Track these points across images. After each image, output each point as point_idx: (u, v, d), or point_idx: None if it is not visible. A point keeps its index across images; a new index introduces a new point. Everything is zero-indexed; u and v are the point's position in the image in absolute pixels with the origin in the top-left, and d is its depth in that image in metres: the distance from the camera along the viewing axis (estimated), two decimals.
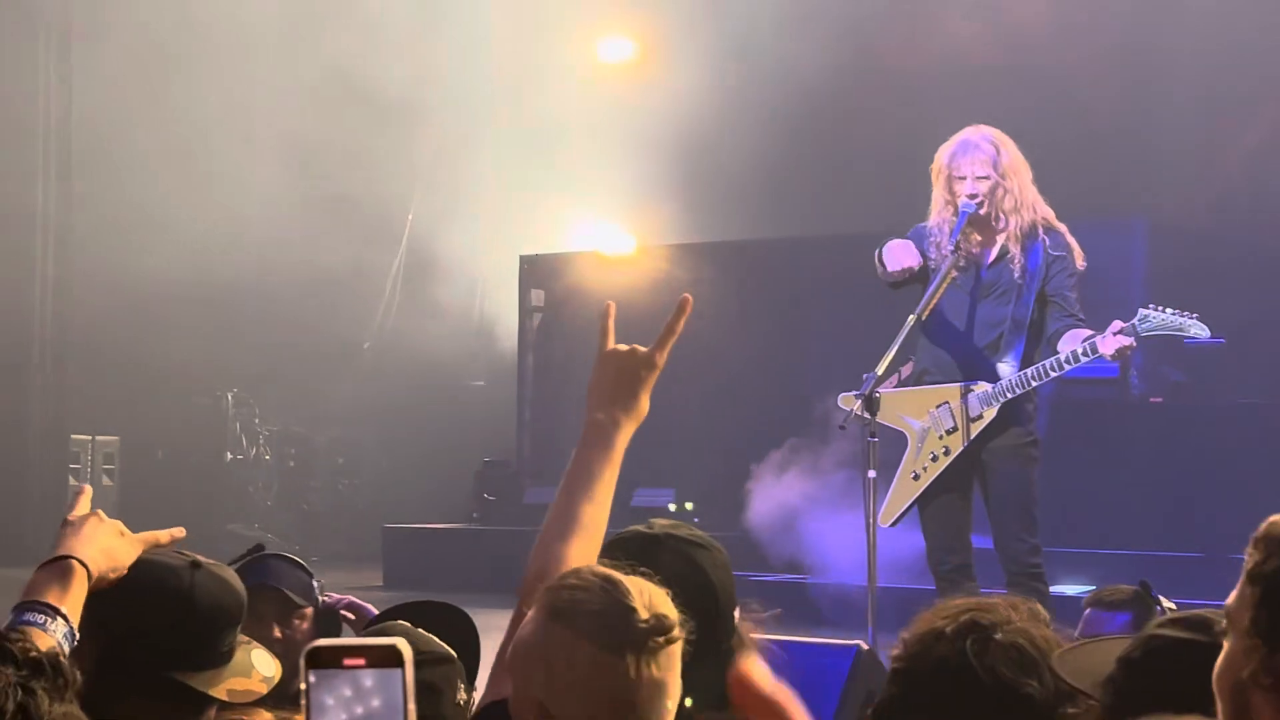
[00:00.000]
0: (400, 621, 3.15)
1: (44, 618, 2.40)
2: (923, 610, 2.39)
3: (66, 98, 15.86)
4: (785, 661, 2.69)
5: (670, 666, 2.20)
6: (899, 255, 6.41)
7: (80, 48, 15.96)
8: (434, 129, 15.79)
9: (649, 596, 2.22)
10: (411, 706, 1.33)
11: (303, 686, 1.32)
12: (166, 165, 15.44)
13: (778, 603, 9.89)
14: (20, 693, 1.52)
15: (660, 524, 2.82)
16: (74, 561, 2.47)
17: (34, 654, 1.58)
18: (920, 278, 6.47)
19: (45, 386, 15.79)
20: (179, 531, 2.67)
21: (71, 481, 15.78)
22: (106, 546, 2.52)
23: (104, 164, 15.64)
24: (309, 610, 4.01)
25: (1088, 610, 4.40)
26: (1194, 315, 6.27)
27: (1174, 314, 6.23)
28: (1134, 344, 6.18)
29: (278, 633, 3.93)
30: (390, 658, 1.35)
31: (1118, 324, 6.20)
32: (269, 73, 15.68)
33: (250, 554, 3.91)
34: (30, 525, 15.35)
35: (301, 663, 1.34)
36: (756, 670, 2.54)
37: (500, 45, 15.52)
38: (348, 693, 1.34)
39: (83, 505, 2.60)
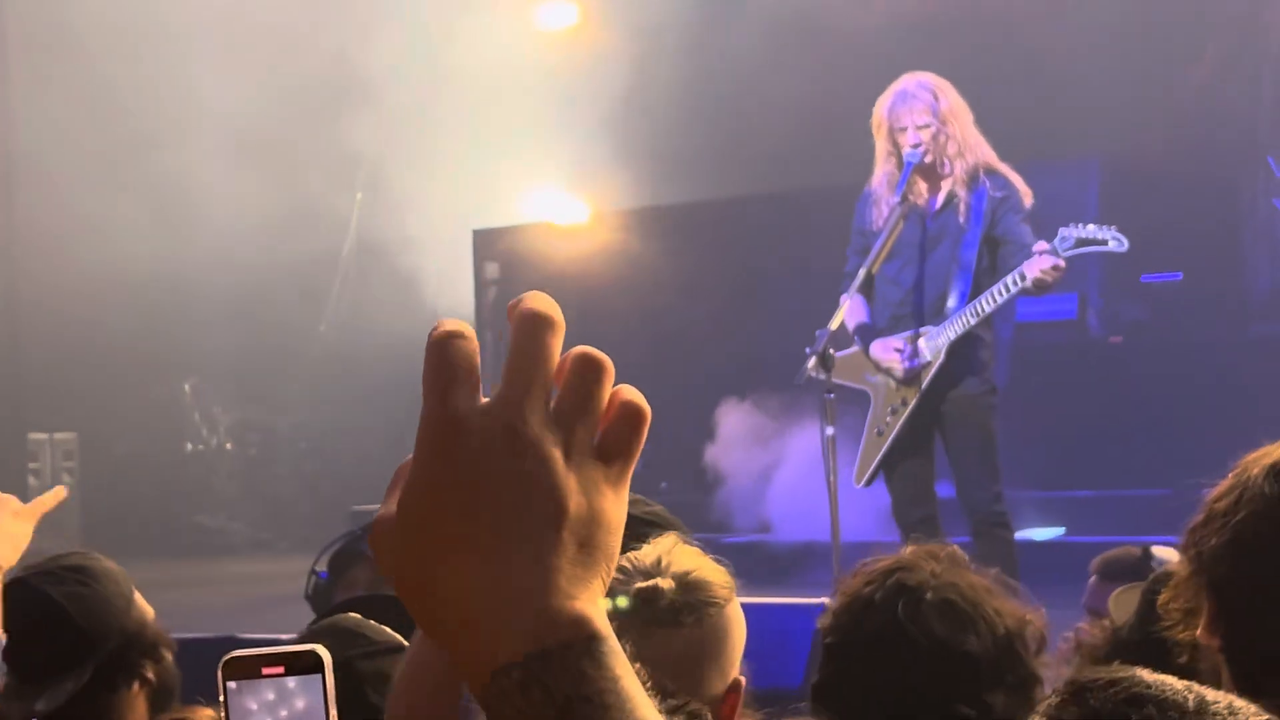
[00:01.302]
0: (351, 614, 3.10)
1: None
2: (844, 575, 2.33)
3: (5, 97, 15.67)
4: (752, 624, 2.65)
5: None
6: (852, 315, 6.46)
7: (15, 43, 15.77)
8: (377, 107, 15.64)
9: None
10: (333, 711, 1.28)
11: (221, 697, 1.27)
12: (114, 161, 15.28)
13: (742, 563, 9.87)
14: None
15: None
16: None
17: None
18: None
19: (0, 385, 15.63)
20: (61, 491, 2.65)
21: (32, 481, 15.63)
22: (7, 531, 2.49)
23: (50, 160, 15.47)
24: None
25: (1092, 579, 4.38)
26: (1112, 227, 6.25)
27: (1095, 229, 6.22)
28: (1061, 264, 6.15)
29: None
30: (310, 664, 1.30)
31: (1041, 244, 6.19)
32: (211, 62, 15.52)
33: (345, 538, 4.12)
34: None
35: (219, 673, 1.28)
36: None
37: (438, 18, 15.36)
38: (270, 696, 1.31)
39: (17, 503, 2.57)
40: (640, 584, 2.11)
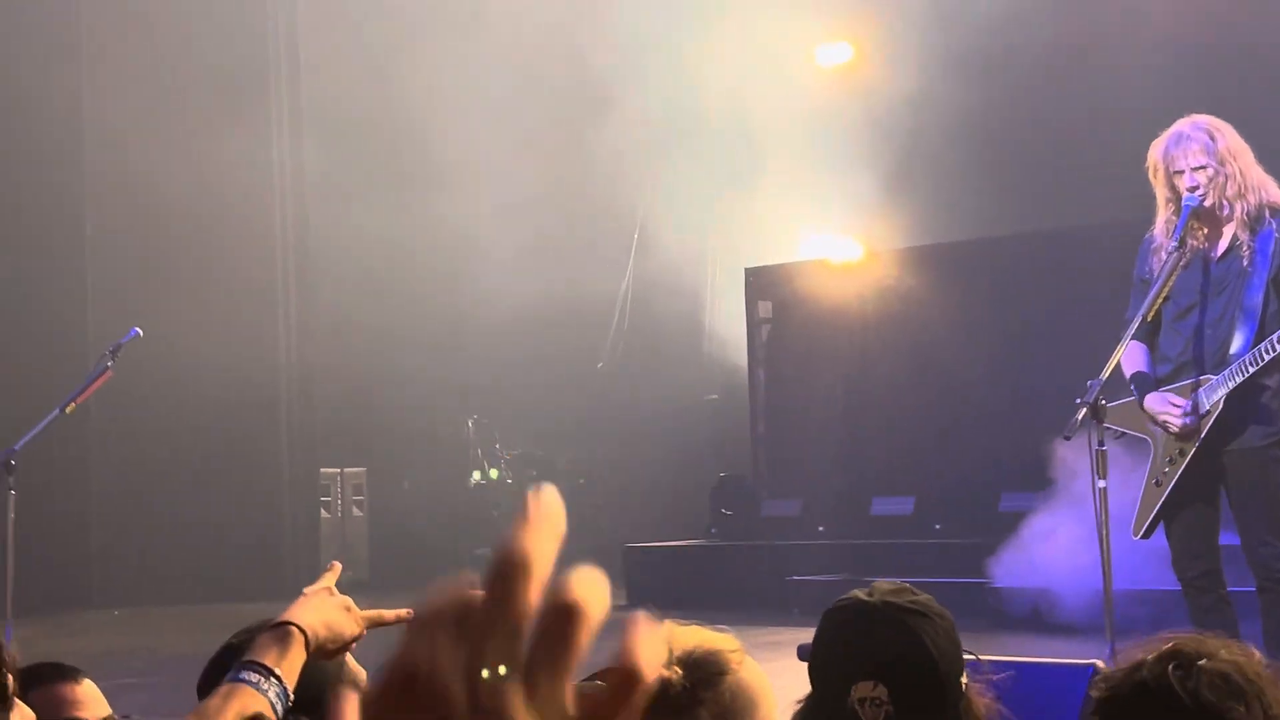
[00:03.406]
0: None
1: (259, 677, 2.50)
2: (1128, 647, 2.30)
3: (298, 148, 16.32)
4: (1018, 685, 2.61)
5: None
6: (1130, 361, 6.30)
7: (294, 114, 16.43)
8: (652, 147, 15.85)
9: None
10: None
11: None
12: (397, 201, 15.80)
13: (1014, 610, 9.70)
14: None
15: (882, 589, 2.73)
16: (294, 628, 2.57)
17: None
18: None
19: (293, 423, 16.26)
20: (405, 613, 2.72)
21: (323, 514, 16.25)
22: (330, 619, 2.62)
23: (336, 199, 16.07)
24: None
25: None
26: None
27: None
28: None
29: None
30: None
31: None
32: (497, 108, 15.93)
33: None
34: (287, 557, 15.84)
35: None
36: None
37: (713, 56, 15.49)
38: None
39: (326, 579, 2.71)
40: None
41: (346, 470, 16.47)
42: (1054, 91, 12.85)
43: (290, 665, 2.53)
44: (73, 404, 8.05)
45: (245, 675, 2.48)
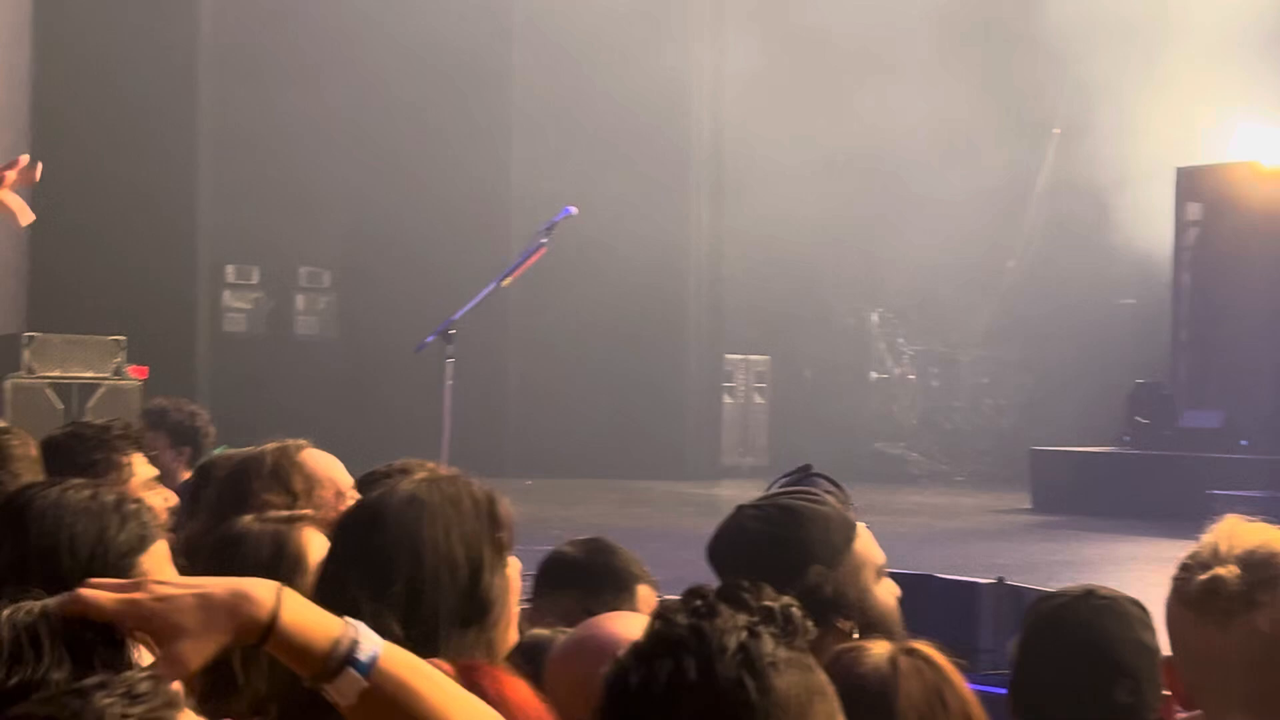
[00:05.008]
0: None
1: None
2: None
3: (719, 47, 16.38)
4: None
5: None
6: None
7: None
8: (1071, 41, 15.31)
9: None
10: None
11: None
12: (817, 99, 15.75)
13: None
14: (746, 634, 1.56)
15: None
16: None
17: (766, 602, 1.64)
18: None
19: (701, 308, 16.48)
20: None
21: (726, 400, 16.48)
22: None
23: (758, 96, 16.08)
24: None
25: None
26: None
27: None
28: None
29: None
30: None
31: None
32: (926, 5, 15.65)
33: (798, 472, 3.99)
34: (689, 440, 16.13)
35: None
36: None
37: None
38: None
39: None
40: (1200, 577, 1.98)
41: (750, 357, 16.64)
42: None
43: None
44: (509, 278, 8.30)
45: None
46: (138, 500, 2.28)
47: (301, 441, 3.24)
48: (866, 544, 2.77)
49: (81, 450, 3.49)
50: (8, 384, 10.99)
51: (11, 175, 2.58)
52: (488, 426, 14.39)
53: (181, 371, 13.21)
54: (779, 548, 2.67)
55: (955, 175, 15.48)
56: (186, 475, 5.05)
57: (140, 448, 3.60)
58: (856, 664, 2.07)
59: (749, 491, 4.48)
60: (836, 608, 2.63)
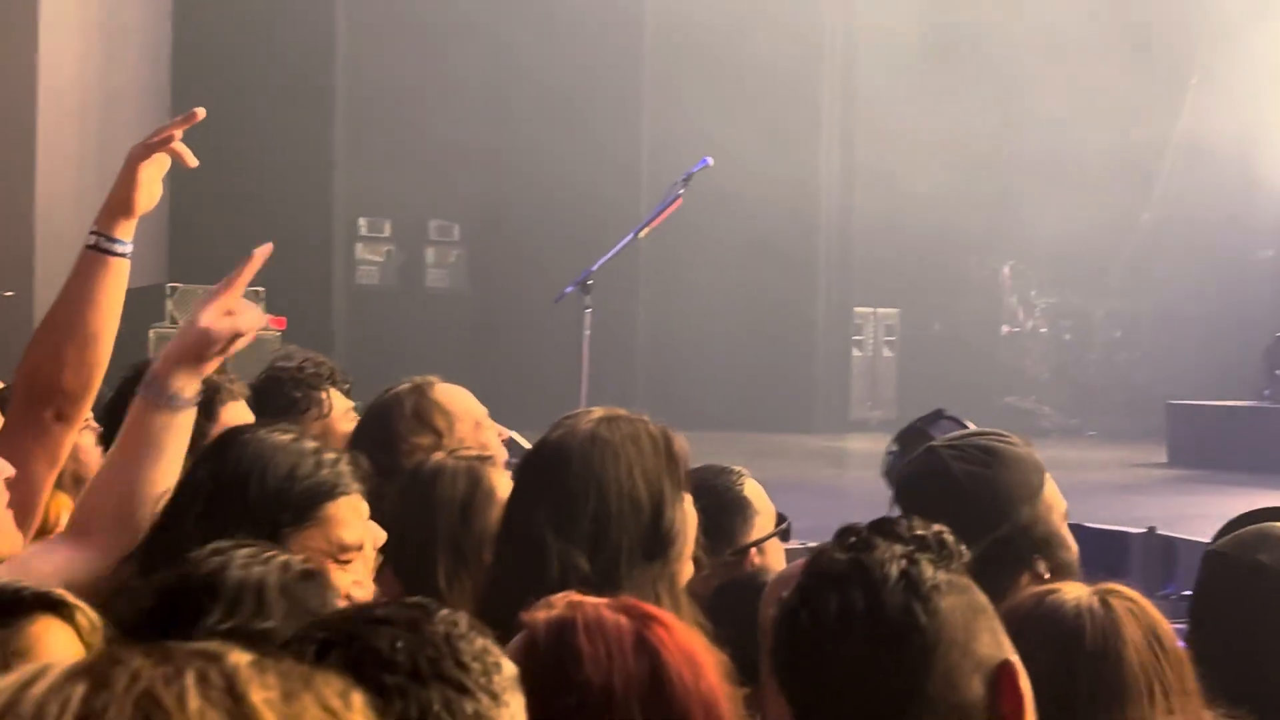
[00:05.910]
0: None
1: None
2: None
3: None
4: None
5: None
6: None
7: None
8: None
9: None
10: None
11: None
12: (951, 45, 15.58)
13: None
14: (905, 562, 1.59)
15: None
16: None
17: (919, 531, 1.67)
18: None
19: (830, 264, 16.41)
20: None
21: (855, 352, 16.41)
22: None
23: (888, 40, 15.95)
24: None
25: None
26: None
27: None
28: None
29: None
30: None
31: None
32: None
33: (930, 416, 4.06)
34: (818, 392, 16.10)
35: None
36: None
37: None
38: None
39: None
40: None
41: (879, 310, 16.55)
42: None
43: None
44: (646, 228, 8.33)
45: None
46: (342, 453, 2.34)
47: (431, 378, 3.33)
48: (1054, 487, 2.77)
49: (280, 392, 3.59)
50: (152, 334, 11.22)
51: (183, 128, 2.68)
52: (619, 377, 14.45)
53: (318, 323, 13.41)
54: (986, 487, 2.68)
55: (1090, 126, 15.27)
56: None
57: (335, 382, 3.70)
58: (1064, 605, 2.08)
59: (879, 444, 4.49)
60: (1040, 548, 2.64)
